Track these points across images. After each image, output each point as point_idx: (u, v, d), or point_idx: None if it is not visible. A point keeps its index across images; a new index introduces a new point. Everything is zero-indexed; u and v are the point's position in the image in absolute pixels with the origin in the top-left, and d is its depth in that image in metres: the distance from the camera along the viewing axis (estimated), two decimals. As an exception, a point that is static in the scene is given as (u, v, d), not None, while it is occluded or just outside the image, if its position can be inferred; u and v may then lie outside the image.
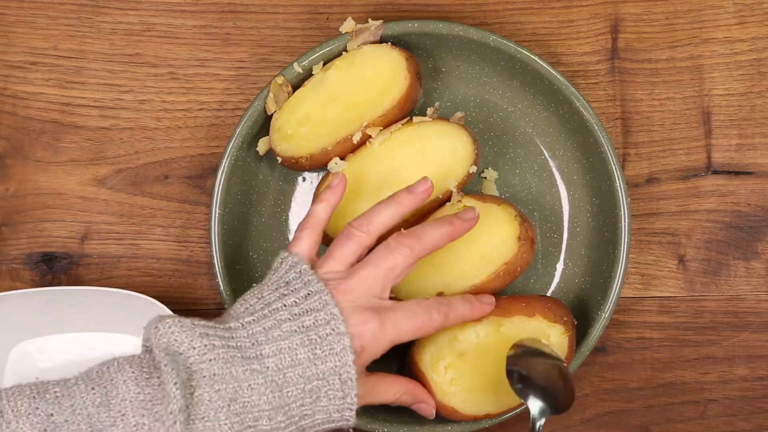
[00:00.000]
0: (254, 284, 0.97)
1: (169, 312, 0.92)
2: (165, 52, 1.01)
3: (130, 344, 0.98)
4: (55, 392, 0.76)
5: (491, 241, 0.92)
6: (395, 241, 0.85)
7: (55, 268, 1.00)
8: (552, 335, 0.91)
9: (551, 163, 1.00)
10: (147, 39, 1.01)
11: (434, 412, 0.91)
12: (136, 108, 1.01)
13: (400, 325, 0.83)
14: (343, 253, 0.85)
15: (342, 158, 0.94)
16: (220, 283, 0.94)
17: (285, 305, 0.80)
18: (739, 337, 1.01)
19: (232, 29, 1.01)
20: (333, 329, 0.79)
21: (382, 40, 0.95)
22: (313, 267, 0.84)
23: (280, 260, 0.85)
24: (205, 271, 1.01)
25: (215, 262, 0.94)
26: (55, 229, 1.00)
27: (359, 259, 0.85)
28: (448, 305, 0.86)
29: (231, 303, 0.94)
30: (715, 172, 1.02)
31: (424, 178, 0.88)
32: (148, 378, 0.76)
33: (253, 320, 0.80)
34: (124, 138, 1.01)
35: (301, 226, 0.87)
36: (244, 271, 0.97)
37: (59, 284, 1.00)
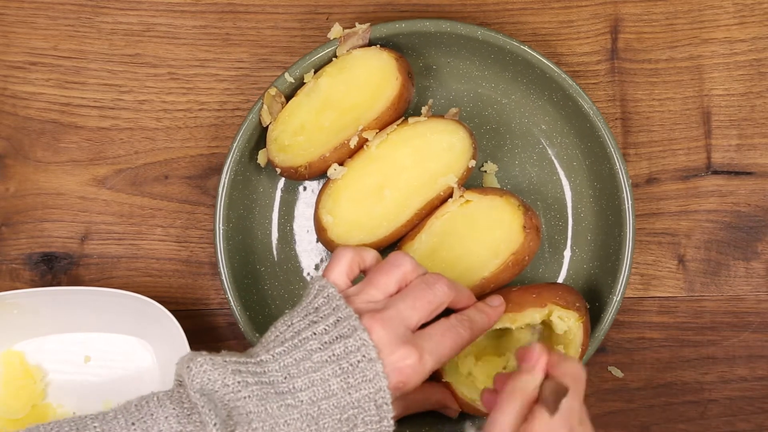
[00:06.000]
0: (266, 297, 0.98)
1: (168, 313, 0.92)
2: (165, 52, 1.01)
3: (129, 345, 0.98)
4: (95, 427, 0.75)
5: (497, 233, 0.93)
6: (434, 277, 0.84)
7: (55, 268, 1.00)
8: (566, 322, 0.91)
9: (550, 151, 0.99)
10: (147, 39, 1.01)
11: (458, 413, 0.92)
12: (136, 108, 1.01)
13: (437, 353, 0.81)
14: (386, 281, 0.83)
15: (341, 164, 0.94)
16: (230, 299, 0.94)
17: (315, 333, 0.79)
18: (739, 337, 1.01)
19: (232, 29, 1.01)
20: (364, 356, 0.78)
21: (370, 43, 0.95)
22: (347, 292, 0.82)
23: (310, 284, 0.83)
24: (205, 271, 1.01)
25: (224, 278, 0.94)
26: (55, 229, 1.00)
27: (398, 291, 0.83)
28: (469, 320, 0.85)
29: (243, 318, 0.94)
30: (715, 173, 1.02)
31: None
32: (189, 415, 0.76)
33: (284, 351, 0.78)
34: (124, 138, 1.01)
35: (341, 248, 0.85)
36: (253, 284, 0.97)
37: (59, 284, 1.00)
